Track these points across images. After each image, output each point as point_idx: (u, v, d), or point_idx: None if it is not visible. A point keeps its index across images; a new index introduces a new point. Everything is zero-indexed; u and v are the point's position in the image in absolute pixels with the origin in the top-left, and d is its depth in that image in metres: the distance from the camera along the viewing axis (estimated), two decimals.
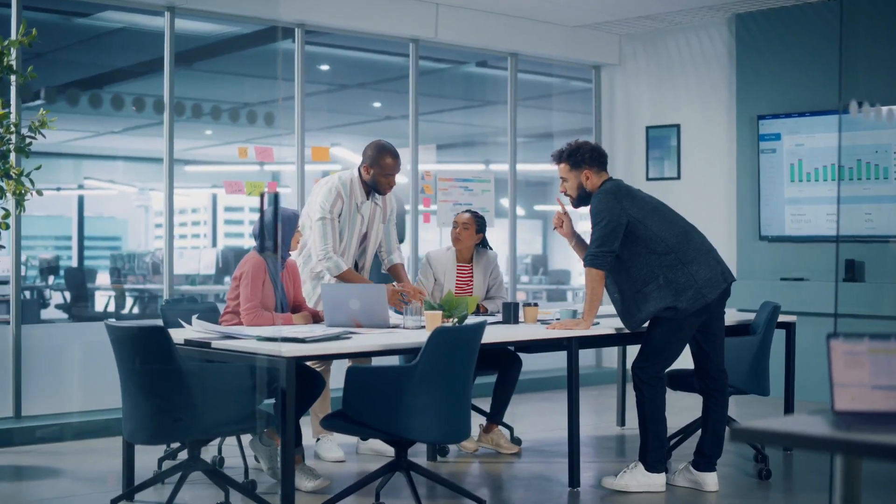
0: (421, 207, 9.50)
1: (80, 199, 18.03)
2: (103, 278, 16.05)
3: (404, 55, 9.45)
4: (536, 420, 8.35)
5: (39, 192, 6.38)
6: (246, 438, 6.28)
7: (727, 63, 9.82)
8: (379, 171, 6.57)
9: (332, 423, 5.10)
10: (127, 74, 11.32)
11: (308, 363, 6.46)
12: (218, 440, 6.52)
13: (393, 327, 5.87)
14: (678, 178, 10.18)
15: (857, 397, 3.06)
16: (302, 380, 5.80)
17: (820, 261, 9.09)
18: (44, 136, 6.36)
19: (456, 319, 6.01)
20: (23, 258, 17.03)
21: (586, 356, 10.55)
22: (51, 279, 16.08)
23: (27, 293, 15.05)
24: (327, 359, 5.45)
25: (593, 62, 10.64)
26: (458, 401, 5.00)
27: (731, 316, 6.97)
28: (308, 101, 12.86)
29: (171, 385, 4.79)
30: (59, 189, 18.89)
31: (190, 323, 5.57)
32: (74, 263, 18.41)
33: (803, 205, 9.16)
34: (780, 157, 9.27)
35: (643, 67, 10.48)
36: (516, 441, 7.18)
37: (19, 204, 6.39)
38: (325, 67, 11.72)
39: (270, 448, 6.02)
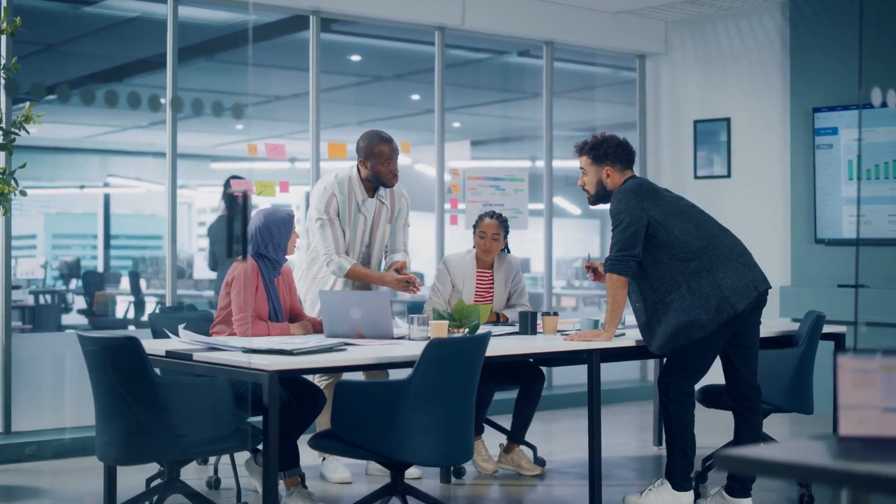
0: (447, 208, 9.34)
1: (107, 198, 18.04)
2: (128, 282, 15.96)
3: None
4: (568, 439, 8.18)
5: (23, 193, 6.32)
6: (242, 458, 6.18)
7: (780, 51, 9.60)
8: (375, 161, 6.46)
9: (321, 443, 4.97)
10: (147, 66, 11.28)
11: (314, 377, 6.36)
12: (213, 460, 6.43)
13: (399, 338, 5.73)
14: (728, 175, 9.96)
15: (866, 421, 2.88)
16: (301, 395, 5.70)
17: (881, 266, 8.84)
18: (27, 131, 6.29)
19: (466, 329, 5.88)
20: (41, 261, 16.99)
21: (629, 369, 10.36)
22: (73, 283, 16.07)
23: (48, 297, 15.05)
24: (314, 372, 5.32)
25: (637, 51, 10.45)
26: (457, 419, 4.84)
27: (775, 326, 6.78)
28: (338, 94, 12.81)
29: (144, 401, 4.67)
30: (82, 187, 18.94)
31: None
32: (100, 265, 18.45)
33: (863, 205, 8.92)
34: (838, 153, 9.04)
35: (691, 56, 10.28)
36: (540, 462, 7.01)
37: (2, 205, 6.32)
38: (356, 58, 11.62)
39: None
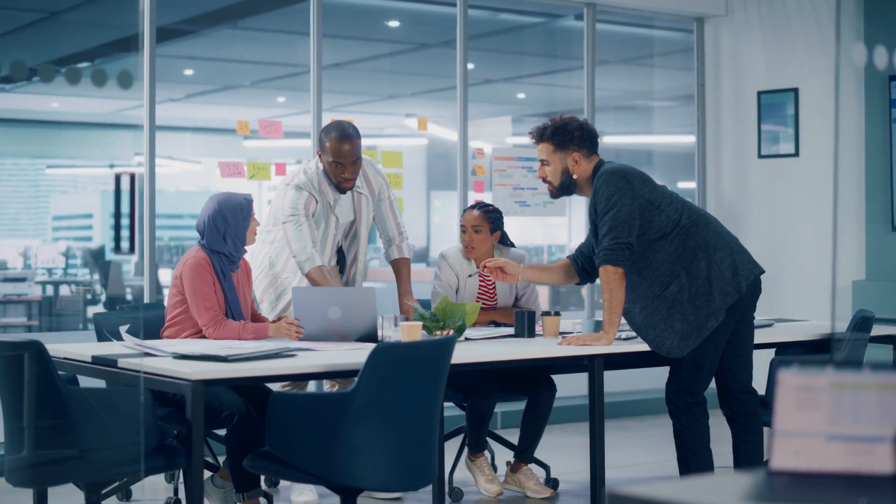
0: (472, 193, 9.08)
1: (150, 177, 17.92)
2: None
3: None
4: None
5: None
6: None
7: (854, 12, 9.23)
8: (327, 158, 6.21)
9: (257, 463, 4.75)
10: (166, 34, 11.22)
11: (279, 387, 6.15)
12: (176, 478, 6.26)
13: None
14: (796, 154, 9.60)
15: (804, 451, 2.59)
16: (264, 410, 5.48)
17: None
18: None
19: (452, 331, 5.64)
20: (61, 247, 16.82)
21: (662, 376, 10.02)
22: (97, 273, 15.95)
23: (72, 287, 14.93)
24: (247, 382, 5.11)
25: (694, 13, 10.12)
26: (413, 438, 4.58)
27: (823, 328, 6.50)
28: (373, 64, 12.62)
29: (49, 414, 4.49)
30: (111, 166, 18.92)
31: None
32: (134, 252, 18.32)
33: None
34: None
35: (754, 19, 9.95)
36: (552, 483, 6.74)
37: None
38: (394, 24, 11.46)
39: (224, 490, 5.74)
